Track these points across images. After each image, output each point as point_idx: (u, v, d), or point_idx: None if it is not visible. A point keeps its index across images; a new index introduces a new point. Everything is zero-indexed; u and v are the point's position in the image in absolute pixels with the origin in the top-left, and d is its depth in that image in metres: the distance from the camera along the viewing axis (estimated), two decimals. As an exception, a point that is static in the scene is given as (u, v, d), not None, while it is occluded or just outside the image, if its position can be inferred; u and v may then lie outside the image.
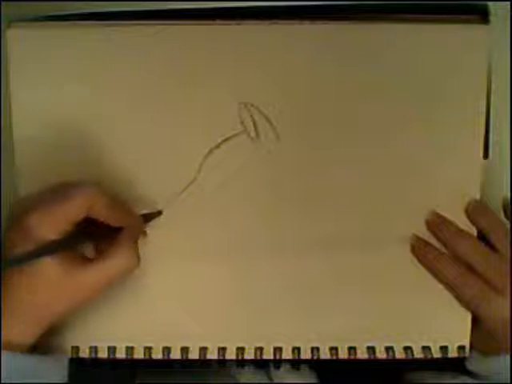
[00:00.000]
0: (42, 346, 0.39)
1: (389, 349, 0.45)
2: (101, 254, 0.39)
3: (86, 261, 0.39)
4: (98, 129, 0.43)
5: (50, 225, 0.37)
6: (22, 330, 0.38)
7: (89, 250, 0.41)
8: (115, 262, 0.39)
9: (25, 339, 0.38)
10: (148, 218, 0.43)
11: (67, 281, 0.38)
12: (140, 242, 0.42)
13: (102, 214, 0.39)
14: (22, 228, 0.37)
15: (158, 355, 0.44)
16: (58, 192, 0.38)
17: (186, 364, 0.45)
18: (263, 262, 0.44)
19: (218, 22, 0.42)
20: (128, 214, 0.41)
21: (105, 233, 0.40)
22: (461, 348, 0.45)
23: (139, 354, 0.44)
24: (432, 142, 0.43)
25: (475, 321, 0.44)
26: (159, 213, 0.44)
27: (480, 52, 0.42)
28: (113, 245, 0.39)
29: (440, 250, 0.44)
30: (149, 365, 0.45)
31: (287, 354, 0.45)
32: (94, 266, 0.38)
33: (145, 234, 0.44)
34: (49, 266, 0.37)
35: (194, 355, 0.45)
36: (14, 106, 0.43)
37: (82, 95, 0.43)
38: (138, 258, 0.40)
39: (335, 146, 0.43)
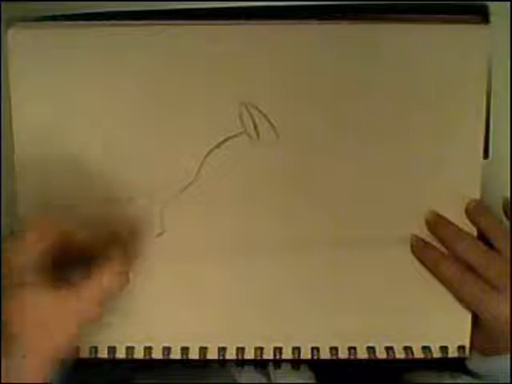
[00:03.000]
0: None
1: (389, 349, 0.45)
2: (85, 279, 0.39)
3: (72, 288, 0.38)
4: (98, 127, 0.43)
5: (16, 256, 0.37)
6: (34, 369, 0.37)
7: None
8: (97, 284, 0.38)
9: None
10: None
11: (60, 308, 0.37)
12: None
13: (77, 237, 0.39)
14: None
15: (158, 355, 0.44)
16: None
17: (186, 364, 0.45)
18: (263, 262, 0.44)
19: (218, 21, 0.42)
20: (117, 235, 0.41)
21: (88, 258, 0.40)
22: (461, 348, 0.45)
23: (139, 354, 0.44)
24: (432, 141, 0.43)
25: (475, 321, 0.44)
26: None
27: (480, 52, 0.42)
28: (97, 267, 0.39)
29: (440, 250, 0.44)
30: (149, 365, 0.45)
31: (287, 354, 0.45)
32: (81, 288, 0.38)
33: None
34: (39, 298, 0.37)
35: (194, 355, 0.45)
36: (14, 104, 0.43)
37: (82, 95, 0.43)
38: (126, 277, 0.40)
39: (335, 146, 0.43)
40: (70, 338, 0.37)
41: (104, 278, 0.38)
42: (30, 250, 0.37)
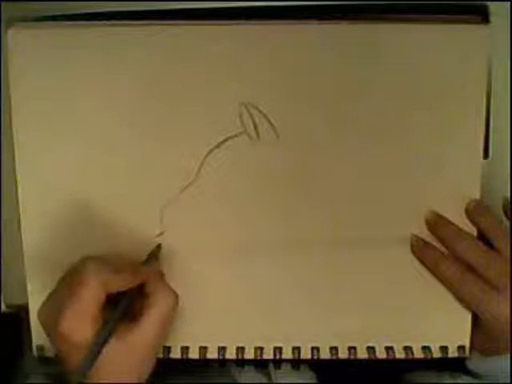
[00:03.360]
0: None
1: (389, 349, 0.45)
2: (142, 309, 0.40)
3: (136, 322, 0.39)
4: (98, 127, 0.43)
5: (81, 326, 0.38)
6: None
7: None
8: (156, 310, 0.39)
9: None
10: (154, 255, 0.43)
11: (130, 349, 0.39)
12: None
13: (119, 286, 0.39)
14: (62, 339, 0.38)
15: (158, 355, 0.44)
16: (70, 288, 0.38)
17: (186, 364, 0.45)
18: (263, 262, 0.44)
19: (217, 21, 0.42)
20: (138, 271, 0.41)
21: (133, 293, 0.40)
22: (461, 348, 0.45)
23: (139, 354, 0.44)
24: (432, 141, 0.43)
25: (475, 321, 0.44)
26: (159, 247, 0.44)
27: (480, 52, 0.42)
28: (146, 297, 0.40)
29: (440, 250, 0.44)
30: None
31: (287, 354, 0.45)
32: (143, 323, 0.39)
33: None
34: (112, 350, 0.38)
35: (194, 355, 0.45)
36: (14, 104, 0.43)
37: (82, 95, 0.43)
38: (174, 293, 0.41)
39: (335, 146, 0.43)
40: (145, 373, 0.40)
41: (154, 306, 0.40)
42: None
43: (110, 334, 0.38)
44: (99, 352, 0.37)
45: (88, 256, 0.41)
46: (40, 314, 0.41)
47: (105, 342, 0.37)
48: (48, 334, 0.40)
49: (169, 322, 0.40)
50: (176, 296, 0.41)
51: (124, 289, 0.39)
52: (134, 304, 0.40)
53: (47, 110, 0.43)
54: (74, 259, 0.42)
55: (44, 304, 0.41)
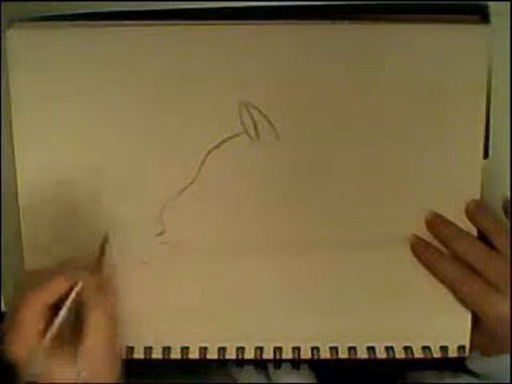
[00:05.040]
0: None
1: (389, 349, 0.45)
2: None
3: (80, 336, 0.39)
4: (98, 127, 0.43)
5: (18, 346, 0.38)
6: None
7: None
8: (93, 325, 0.39)
9: None
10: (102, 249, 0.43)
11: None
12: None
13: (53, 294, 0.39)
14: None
15: (158, 355, 0.44)
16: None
17: (186, 364, 0.45)
18: (263, 262, 0.44)
19: (218, 21, 0.42)
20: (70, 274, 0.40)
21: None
22: (461, 348, 0.45)
23: (139, 354, 0.44)
24: (432, 141, 0.43)
25: (475, 321, 0.44)
26: (105, 240, 0.44)
27: (480, 52, 0.42)
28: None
29: (440, 250, 0.44)
30: (149, 365, 0.45)
31: (287, 354, 0.45)
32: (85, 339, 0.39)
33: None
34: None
35: (194, 355, 0.45)
36: (14, 104, 0.43)
37: (82, 95, 0.43)
38: (110, 306, 0.40)
39: (335, 146, 0.43)
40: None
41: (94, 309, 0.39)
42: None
43: (46, 349, 0.38)
44: (37, 369, 0.38)
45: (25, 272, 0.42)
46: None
47: (42, 356, 0.38)
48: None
49: (111, 330, 0.40)
50: (113, 309, 0.40)
51: (56, 300, 0.39)
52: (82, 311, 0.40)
53: (47, 110, 0.43)
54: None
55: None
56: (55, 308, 0.39)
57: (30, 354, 0.38)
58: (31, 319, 0.38)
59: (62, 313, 0.39)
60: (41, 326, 0.38)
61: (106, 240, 0.44)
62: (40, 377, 0.38)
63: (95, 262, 0.42)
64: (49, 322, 0.38)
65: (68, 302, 0.39)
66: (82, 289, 0.39)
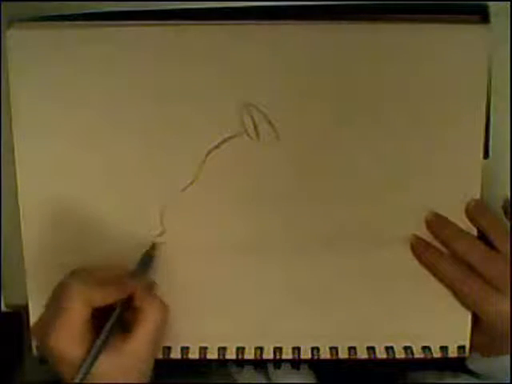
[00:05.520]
0: None
1: (389, 349, 0.45)
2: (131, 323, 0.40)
3: (125, 336, 0.39)
4: (98, 127, 0.43)
5: (67, 343, 0.38)
6: None
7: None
8: (145, 326, 0.40)
9: None
10: (149, 254, 0.43)
11: (120, 362, 0.39)
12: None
13: (104, 301, 0.39)
14: (52, 355, 0.39)
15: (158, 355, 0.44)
16: (57, 305, 0.39)
17: (186, 364, 0.45)
18: (263, 262, 0.44)
19: (218, 22, 0.42)
20: (123, 284, 0.41)
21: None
22: (461, 348, 0.45)
23: (139, 354, 0.44)
24: (432, 141, 0.43)
25: (475, 321, 0.44)
26: (153, 247, 0.44)
27: (480, 52, 0.42)
28: (135, 311, 0.40)
29: (440, 250, 0.44)
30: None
31: (287, 354, 0.45)
32: (133, 339, 0.39)
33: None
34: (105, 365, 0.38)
35: (194, 355, 0.45)
36: (14, 104, 0.43)
37: (82, 95, 0.43)
38: (163, 306, 0.41)
39: (335, 146, 0.43)
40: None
41: (144, 321, 0.40)
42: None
43: (99, 351, 0.38)
44: (90, 369, 0.38)
45: (74, 270, 0.41)
46: (34, 328, 0.42)
47: (95, 358, 0.38)
48: (43, 348, 0.40)
49: (160, 336, 0.41)
50: (166, 309, 0.41)
51: (111, 302, 0.40)
52: (126, 316, 0.40)
53: (47, 110, 0.43)
54: (74, 259, 0.43)
55: (38, 318, 0.41)
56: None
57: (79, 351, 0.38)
58: (82, 312, 0.38)
59: (115, 315, 0.39)
60: (89, 324, 0.39)
61: (154, 247, 0.44)
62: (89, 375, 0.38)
63: (141, 269, 0.43)
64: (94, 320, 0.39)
65: (118, 311, 0.40)
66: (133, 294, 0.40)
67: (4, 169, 0.45)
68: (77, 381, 0.37)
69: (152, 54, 0.42)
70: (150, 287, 0.43)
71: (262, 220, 0.44)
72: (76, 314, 0.38)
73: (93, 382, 0.38)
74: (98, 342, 0.38)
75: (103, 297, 0.39)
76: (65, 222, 0.44)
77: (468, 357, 0.45)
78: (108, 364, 0.38)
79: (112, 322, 0.39)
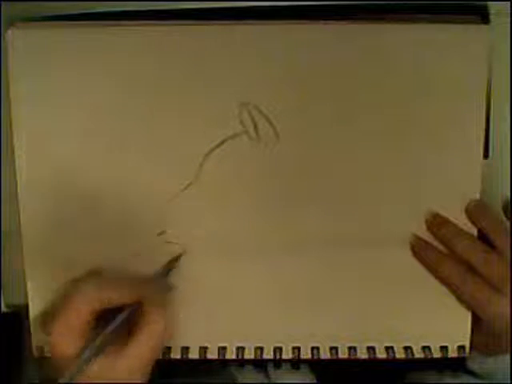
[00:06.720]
0: None
1: (389, 349, 0.45)
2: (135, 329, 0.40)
3: (123, 346, 0.39)
4: (98, 127, 0.43)
5: (68, 339, 0.38)
6: None
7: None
8: (152, 328, 0.39)
9: None
10: (171, 264, 0.43)
11: (121, 365, 0.39)
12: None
13: (115, 302, 0.39)
14: (52, 348, 0.38)
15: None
16: (65, 301, 0.39)
17: (186, 364, 0.45)
18: (263, 262, 0.44)
19: (218, 22, 0.42)
20: (136, 287, 0.41)
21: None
22: (461, 348, 0.45)
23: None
24: (432, 141, 0.43)
25: (475, 321, 0.44)
26: (179, 256, 0.44)
27: (480, 52, 0.42)
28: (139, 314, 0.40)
29: (440, 250, 0.44)
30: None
31: (287, 354, 0.45)
32: (137, 341, 0.39)
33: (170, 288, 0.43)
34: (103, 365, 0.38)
35: (193, 355, 0.45)
36: (14, 104, 0.43)
37: (82, 95, 0.43)
38: (166, 310, 0.40)
39: (335, 146, 0.43)
40: None
41: (142, 333, 0.39)
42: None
43: (97, 350, 0.38)
44: (83, 366, 0.37)
45: (90, 270, 0.42)
46: (37, 318, 0.42)
47: (90, 357, 0.38)
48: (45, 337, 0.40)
49: (160, 343, 0.40)
50: (167, 313, 0.40)
51: (121, 304, 0.39)
52: (134, 318, 0.40)
53: (47, 110, 0.43)
54: (74, 258, 0.43)
55: (44, 309, 0.41)
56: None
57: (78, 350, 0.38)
58: (85, 315, 0.38)
59: (120, 318, 0.39)
60: (91, 324, 0.39)
61: (178, 258, 0.44)
62: (80, 375, 0.38)
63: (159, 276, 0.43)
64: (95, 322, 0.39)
65: (125, 313, 0.40)
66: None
67: (4, 169, 0.45)
68: (62, 381, 0.37)
69: (152, 54, 0.43)
70: (161, 297, 0.42)
71: (262, 220, 0.44)
72: (81, 313, 0.38)
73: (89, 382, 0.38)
74: (95, 343, 0.38)
75: (114, 298, 0.39)
76: (65, 221, 0.44)
77: (468, 357, 0.45)
78: (108, 366, 0.38)
79: (116, 324, 0.39)
